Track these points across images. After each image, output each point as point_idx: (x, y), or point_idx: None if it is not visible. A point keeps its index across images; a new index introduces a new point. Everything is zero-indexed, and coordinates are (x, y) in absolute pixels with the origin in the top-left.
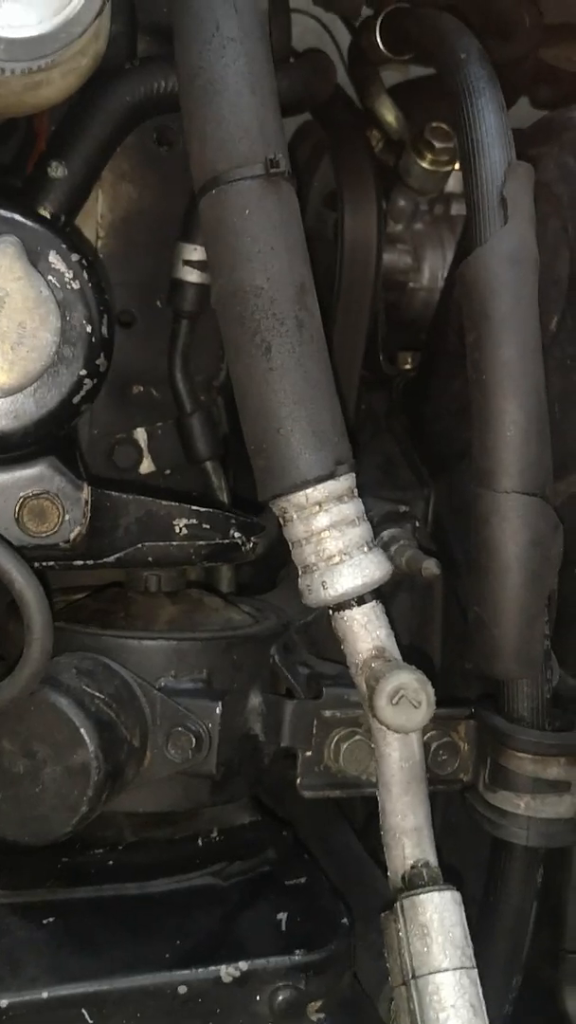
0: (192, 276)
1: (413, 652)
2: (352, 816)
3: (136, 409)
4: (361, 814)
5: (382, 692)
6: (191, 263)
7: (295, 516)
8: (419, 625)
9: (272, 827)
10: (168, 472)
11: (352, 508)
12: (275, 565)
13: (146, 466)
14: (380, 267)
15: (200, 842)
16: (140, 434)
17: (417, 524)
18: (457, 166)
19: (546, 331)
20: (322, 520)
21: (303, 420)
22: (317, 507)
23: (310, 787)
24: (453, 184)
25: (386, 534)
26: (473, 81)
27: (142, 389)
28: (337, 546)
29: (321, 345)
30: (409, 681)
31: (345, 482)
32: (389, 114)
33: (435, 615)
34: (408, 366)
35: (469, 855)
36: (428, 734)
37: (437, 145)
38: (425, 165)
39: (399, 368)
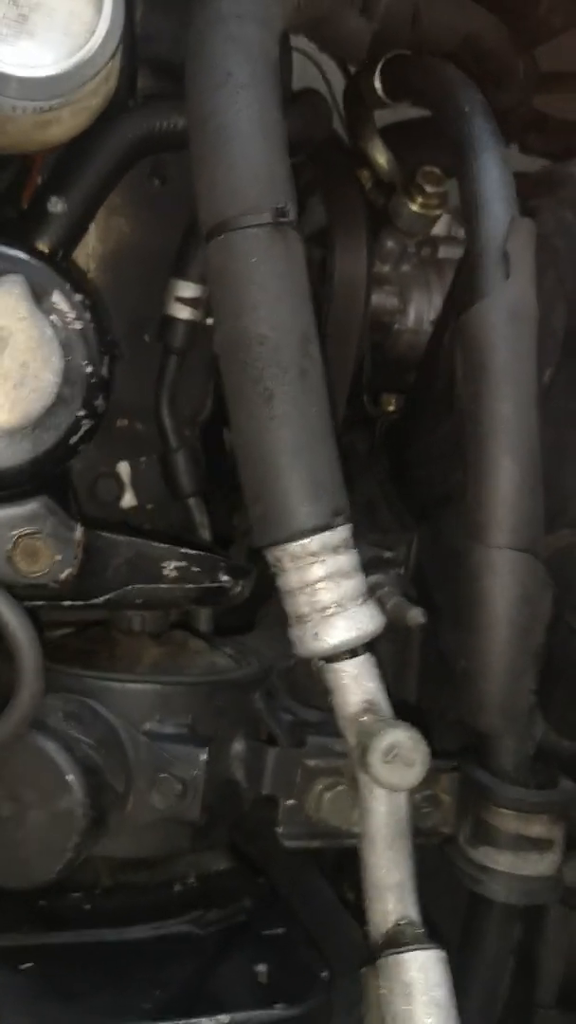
0: (183, 313)
1: (405, 706)
2: (322, 860)
3: (120, 443)
4: (330, 858)
5: (376, 750)
6: (183, 300)
7: (290, 565)
8: (396, 671)
9: (248, 874)
10: (150, 507)
11: (348, 559)
12: (252, 606)
13: (128, 500)
14: (368, 307)
15: (177, 888)
16: (123, 468)
17: (401, 571)
18: (446, 210)
19: (539, 384)
20: (317, 571)
21: (303, 470)
22: (313, 557)
23: (291, 836)
24: (441, 228)
25: (370, 580)
26: (477, 135)
27: (127, 423)
28: (331, 597)
29: (322, 394)
30: (404, 739)
31: (342, 533)
32: (381, 156)
33: (413, 661)
34: (391, 408)
35: (441, 903)
36: None
37: (428, 189)
38: (415, 208)
39: (383, 410)
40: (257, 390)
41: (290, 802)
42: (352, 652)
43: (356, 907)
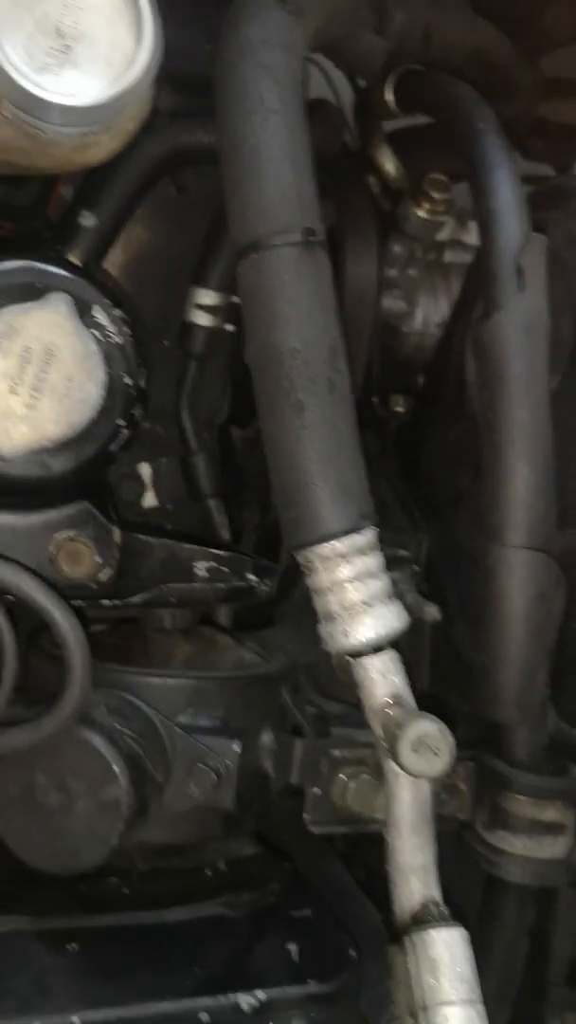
0: (203, 320)
1: (426, 699)
2: (337, 844)
3: (141, 444)
4: (342, 845)
5: (405, 739)
6: (203, 307)
7: (320, 567)
8: (408, 664)
9: (274, 859)
10: (170, 507)
11: (374, 560)
12: (269, 602)
13: (149, 500)
14: (379, 311)
15: (208, 873)
16: (144, 469)
17: (416, 568)
18: (453, 217)
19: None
20: (346, 571)
21: (332, 476)
22: (342, 559)
23: (317, 823)
24: (445, 232)
25: None
26: (491, 152)
27: (148, 425)
28: (359, 596)
29: (349, 404)
30: (432, 730)
31: (369, 535)
32: (389, 163)
33: (423, 657)
34: (400, 409)
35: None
36: None
37: (435, 195)
38: (422, 214)
39: (391, 411)
40: (289, 401)
41: (316, 790)
42: (378, 648)
43: (367, 885)
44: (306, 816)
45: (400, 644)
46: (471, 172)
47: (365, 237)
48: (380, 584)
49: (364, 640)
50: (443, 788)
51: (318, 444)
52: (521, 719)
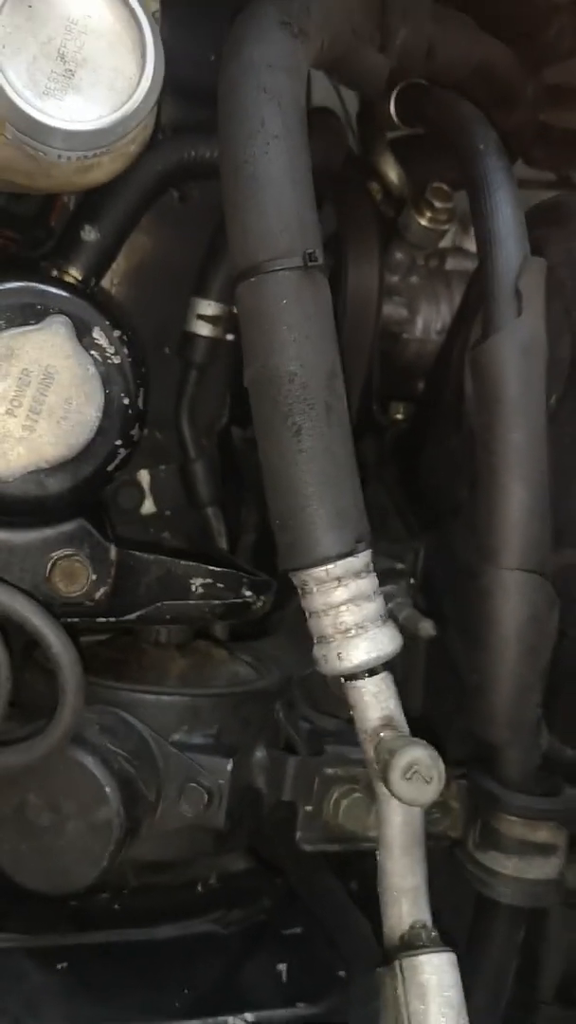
0: (204, 330)
1: (419, 722)
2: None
3: (141, 452)
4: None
5: (396, 767)
6: (204, 317)
7: (315, 589)
8: (402, 676)
9: (266, 875)
10: (168, 513)
11: (369, 583)
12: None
13: (148, 507)
14: (380, 317)
15: (199, 888)
16: (143, 476)
17: (412, 581)
18: (455, 224)
19: (546, 409)
20: (341, 594)
21: (328, 500)
22: (337, 582)
23: (309, 841)
24: (448, 240)
25: (382, 590)
26: (491, 174)
27: (147, 432)
28: (354, 619)
29: (346, 427)
30: (423, 757)
31: (363, 558)
32: (391, 171)
33: (418, 669)
34: (399, 416)
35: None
36: None
37: (437, 204)
38: (424, 222)
39: (391, 418)
40: (286, 425)
41: (308, 808)
42: (372, 671)
43: (361, 897)
44: (298, 834)
45: (394, 661)
46: (471, 193)
47: (367, 244)
48: (374, 606)
49: (358, 663)
50: (435, 806)
51: (315, 468)
52: (513, 739)
